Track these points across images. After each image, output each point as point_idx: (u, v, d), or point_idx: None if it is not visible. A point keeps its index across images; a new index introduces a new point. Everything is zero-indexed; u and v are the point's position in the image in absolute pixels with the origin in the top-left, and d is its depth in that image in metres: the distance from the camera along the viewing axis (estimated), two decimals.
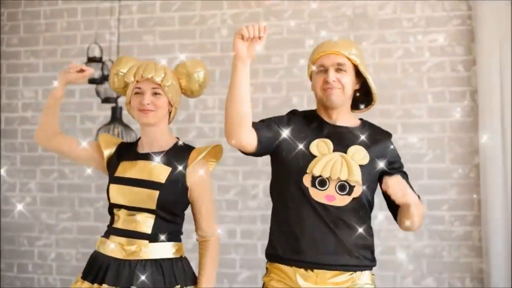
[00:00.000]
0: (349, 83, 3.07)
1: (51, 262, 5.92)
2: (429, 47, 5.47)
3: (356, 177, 2.96)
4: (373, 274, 3.14)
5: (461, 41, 5.43)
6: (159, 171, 3.08)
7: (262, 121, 3.10)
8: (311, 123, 3.14)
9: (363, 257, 3.04)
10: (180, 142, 3.22)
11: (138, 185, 3.08)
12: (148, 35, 5.95)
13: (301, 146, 3.04)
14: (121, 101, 5.19)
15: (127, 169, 3.14)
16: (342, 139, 3.06)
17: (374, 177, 3.07)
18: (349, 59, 3.07)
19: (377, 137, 3.15)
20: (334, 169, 2.96)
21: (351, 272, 3.00)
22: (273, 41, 5.57)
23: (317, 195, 2.98)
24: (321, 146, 3.03)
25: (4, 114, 6.16)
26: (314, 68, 3.11)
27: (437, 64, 5.44)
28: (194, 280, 3.14)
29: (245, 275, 5.58)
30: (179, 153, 3.14)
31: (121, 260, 3.05)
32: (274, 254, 3.08)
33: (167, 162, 3.10)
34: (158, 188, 3.05)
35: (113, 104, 5.01)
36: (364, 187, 3.00)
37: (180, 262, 3.12)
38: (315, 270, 2.99)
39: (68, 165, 5.92)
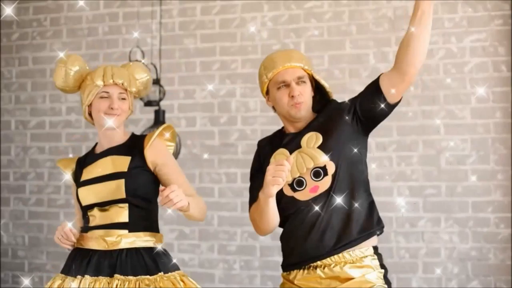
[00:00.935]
0: (309, 93, 3.15)
1: None
2: (471, 48, 5.41)
3: (320, 158, 3.01)
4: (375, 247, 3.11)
5: (503, 41, 5.36)
6: (119, 162, 3.15)
7: (252, 190, 3.22)
8: (273, 143, 3.24)
9: (363, 227, 3.03)
10: (134, 134, 3.33)
11: (103, 180, 3.13)
12: (189, 38, 5.97)
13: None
14: (164, 104, 5.24)
15: (90, 171, 3.19)
16: (296, 140, 3.13)
17: (347, 141, 3.07)
18: (304, 70, 3.14)
19: (321, 114, 3.20)
20: (299, 165, 3.03)
21: (353, 254, 3.00)
22: (313, 43, 5.57)
23: (302, 195, 3.04)
24: (277, 158, 3.09)
25: (48, 117, 6.23)
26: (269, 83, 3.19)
27: (479, 64, 5.39)
28: (176, 267, 3.18)
29: None
30: (135, 142, 3.22)
31: (102, 251, 3.09)
32: (283, 265, 3.16)
33: (126, 152, 3.17)
34: (123, 176, 3.10)
35: (156, 107, 5.04)
36: (337, 159, 3.02)
37: (160, 250, 3.16)
38: (317, 269, 3.01)
39: None
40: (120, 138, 3.25)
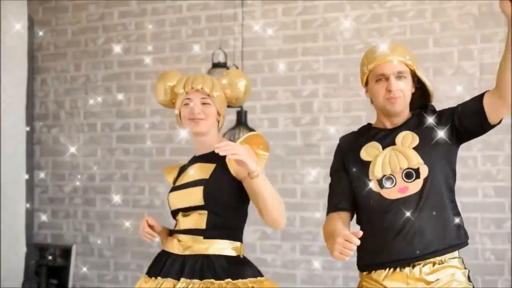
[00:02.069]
0: (409, 89, 3.10)
1: None
2: None
3: (415, 160, 2.98)
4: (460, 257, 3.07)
5: None
6: (204, 169, 3.17)
7: (332, 188, 3.22)
8: (361, 137, 3.20)
9: (450, 236, 3.00)
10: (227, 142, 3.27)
11: (187, 186, 3.17)
12: (272, 39, 5.99)
13: (355, 161, 3.11)
14: (246, 105, 5.26)
15: (181, 178, 3.27)
16: (390, 136, 3.10)
17: (441, 148, 3.04)
18: (406, 65, 3.08)
19: (421, 117, 3.13)
20: (392, 163, 3.00)
21: (439, 258, 2.96)
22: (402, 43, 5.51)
23: (390, 194, 3.00)
24: (369, 150, 3.08)
25: (133, 120, 6.35)
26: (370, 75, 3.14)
27: None
28: (252, 275, 3.16)
29: None
30: None
31: (177, 255, 3.14)
32: (363, 264, 3.11)
33: (212, 159, 3.15)
34: (202, 183, 3.12)
35: (239, 108, 5.07)
36: (431, 164, 2.98)
37: (236, 260, 3.17)
38: (406, 268, 2.97)
39: None
40: (211, 144, 3.21)
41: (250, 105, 5.63)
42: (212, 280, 3.04)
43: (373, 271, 3.06)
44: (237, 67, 5.16)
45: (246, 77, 3.39)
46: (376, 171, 3.03)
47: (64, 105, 6.62)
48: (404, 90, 3.07)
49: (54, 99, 6.65)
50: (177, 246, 3.16)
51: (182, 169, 3.36)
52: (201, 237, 3.13)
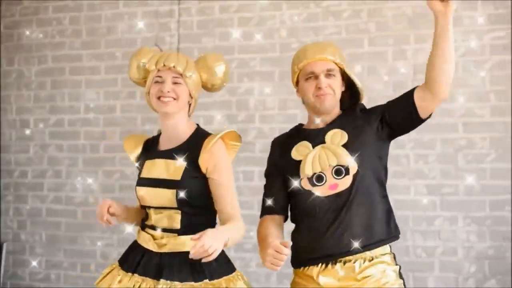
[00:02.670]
0: (338, 87, 3.17)
1: (113, 261, 5.97)
2: (491, 45, 5.38)
3: (344, 157, 3.03)
4: (392, 253, 3.14)
5: None
6: (174, 168, 3.05)
7: (266, 191, 3.27)
8: (293, 137, 3.24)
9: (380, 231, 3.05)
10: (199, 130, 3.21)
11: (158, 185, 3.07)
12: (208, 37, 5.98)
13: (287, 161, 3.15)
14: None
15: (149, 169, 3.16)
16: (320, 135, 3.14)
17: (371, 145, 3.10)
18: (336, 63, 3.15)
19: (350, 115, 3.21)
20: (322, 161, 3.05)
21: (369, 253, 3.02)
22: (332, 42, 5.54)
23: (321, 191, 3.05)
24: (300, 149, 3.13)
25: (67, 116, 6.26)
26: (300, 74, 3.20)
27: (499, 62, 5.36)
28: (226, 272, 3.11)
29: None
30: (193, 144, 3.09)
31: (153, 252, 3.07)
32: (296, 260, 3.14)
33: (182, 155, 3.06)
34: (175, 186, 3.02)
35: None
36: (360, 161, 3.03)
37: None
38: (337, 264, 3.01)
39: (130, 165, 6.00)
40: (182, 134, 3.16)
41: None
42: (192, 283, 2.99)
43: (306, 267, 3.09)
44: None
45: (225, 62, 3.26)
46: (306, 169, 3.06)
47: None
48: (333, 87, 3.13)
49: None
50: (152, 244, 3.08)
51: (147, 152, 3.25)
52: (176, 234, 3.06)
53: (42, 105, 6.35)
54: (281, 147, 3.26)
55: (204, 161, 3.04)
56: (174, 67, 3.08)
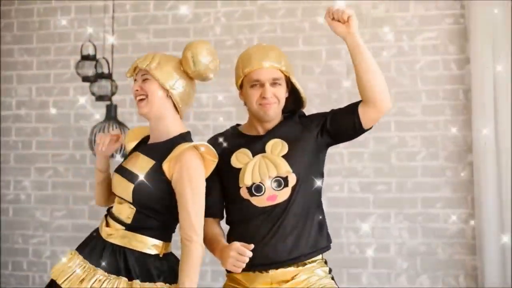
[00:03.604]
0: (283, 96, 3.15)
1: (45, 260, 5.92)
2: (422, 46, 5.48)
3: (284, 168, 3.03)
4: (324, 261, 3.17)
5: (454, 40, 5.43)
6: (142, 163, 2.99)
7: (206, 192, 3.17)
8: (231, 141, 3.21)
9: (314, 241, 3.08)
10: (182, 135, 3.07)
11: (124, 175, 3.02)
12: (142, 33, 5.94)
13: (226, 168, 3.12)
14: (116, 99, 5.19)
15: (128, 159, 3.12)
16: (260, 143, 3.13)
17: (310, 154, 3.12)
18: (281, 71, 3.12)
19: (291, 123, 3.20)
20: (262, 171, 3.04)
21: (304, 262, 3.05)
22: (266, 40, 5.56)
23: (259, 201, 3.05)
24: (240, 157, 3.11)
25: None
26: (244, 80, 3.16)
27: (430, 62, 5.46)
28: (166, 279, 3.02)
29: None
30: (168, 146, 2.97)
31: (102, 239, 3.04)
32: None
33: (154, 155, 2.99)
34: (134, 181, 2.96)
35: (108, 102, 5.00)
36: (299, 172, 3.04)
37: (155, 259, 3.01)
38: (270, 271, 3.03)
39: (63, 163, 5.92)
40: (165, 134, 3.06)
41: (120, 98, 5.55)
42: (125, 279, 2.93)
43: (241, 273, 3.09)
44: (106, 61, 5.10)
45: (212, 51, 3.12)
46: (246, 179, 3.05)
47: None
48: (278, 96, 3.11)
49: None
50: (104, 230, 3.04)
51: (141, 144, 3.21)
52: (123, 228, 3.00)
53: None
54: (220, 150, 3.22)
55: (169, 168, 2.94)
56: (138, 66, 3.07)
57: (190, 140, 3.05)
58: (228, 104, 5.61)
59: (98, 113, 5.70)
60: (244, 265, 2.81)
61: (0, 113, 6.15)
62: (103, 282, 2.93)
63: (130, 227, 3.00)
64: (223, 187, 3.19)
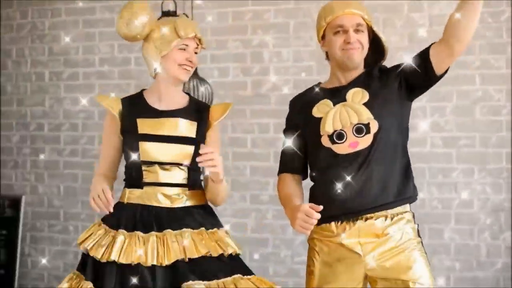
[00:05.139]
0: (366, 43, 3.14)
1: None
2: None
3: (365, 115, 3.03)
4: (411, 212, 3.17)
5: None
6: (189, 127, 3.18)
7: (285, 149, 3.29)
8: (312, 96, 3.23)
9: (399, 190, 3.08)
10: (192, 97, 3.38)
11: (173, 141, 3.16)
12: None
13: (307, 119, 3.15)
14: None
15: (153, 127, 3.19)
16: (341, 93, 3.13)
17: (391, 104, 3.10)
18: (364, 19, 3.12)
19: (371, 74, 3.19)
20: (343, 118, 3.05)
21: (391, 211, 3.05)
22: None
23: (341, 148, 3.05)
24: (321, 107, 3.13)
25: (82, 69, 6.25)
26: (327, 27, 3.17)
27: None
28: (219, 225, 3.24)
29: None
30: (198, 109, 3.27)
31: (156, 208, 3.13)
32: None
33: (192, 118, 3.23)
34: (193, 143, 3.15)
35: None
36: (381, 120, 3.04)
37: (206, 208, 3.27)
38: (357, 223, 3.04)
39: None
40: (180, 97, 3.31)
41: (199, 55, 5.55)
42: (194, 230, 3.09)
43: (324, 224, 3.10)
44: (187, 16, 5.10)
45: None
46: (327, 127, 3.06)
47: (11, 54, 6.48)
48: (362, 42, 3.11)
49: (1, 48, 6.50)
50: (156, 199, 3.14)
51: (134, 111, 3.26)
52: (183, 189, 3.17)
53: (56, 58, 6.33)
54: (301, 105, 3.26)
55: (210, 131, 3.27)
56: (195, 37, 3.23)
57: (200, 101, 3.45)
58: (308, 58, 5.57)
59: None
60: (312, 227, 2.84)
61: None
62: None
63: (187, 187, 3.18)
64: (303, 142, 3.21)
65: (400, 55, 5.12)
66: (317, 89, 3.27)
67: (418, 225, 3.13)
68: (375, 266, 3.02)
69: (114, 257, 2.97)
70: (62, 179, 6.29)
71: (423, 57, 3.03)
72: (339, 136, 3.05)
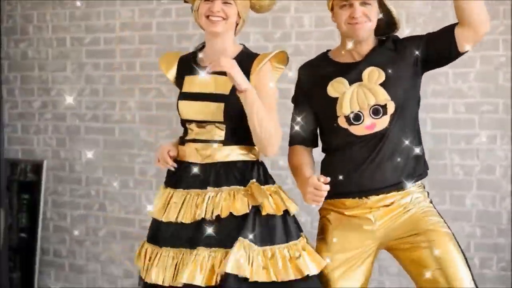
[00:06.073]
0: (375, 15, 3.12)
1: (150, 178, 6.06)
2: None
3: (382, 96, 3.04)
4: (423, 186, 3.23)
5: None
6: (223, 82, 3.13)
7: (296, 119, 3.29)
8: (324, 69, 3.23)
9: (411, 169, 3.11)
10: (245, 50, 3.30)
11: (204, 99, 3.16)
12: None
13: (321, 97, 3.15)
14: None
15: (191, 83, 3.24)
16: (356, 71, 3.13)
17: (407, 81, 3.11)
18: None
19: (385, 49, 3.18)
20: (360, 100, 3.05)
21: (403, 190, 3.10)
22: None
23: (358, 130, 3.09)
24: (336, 86, 3.12)
25: (103, 34, 6.24)
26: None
27: None
28: (270, 181, 3.26)
29: None
30: (243, 62, 3.14)
31: (197, 164, 3.16)
32: (332, 192, 3.09)
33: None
34: (223, 100, 3.12)
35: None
36: (397, 100, 3.06)
37: (254, 164, 3.22)
38: (370, 198, 3.08)
39: (166, 84, 5.99)
40: (229, 52, 3.24)
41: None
42: (241, 187, 3.11)
43: (336, 199, 3.13)
44: None
45: None
46: (344, 108, 3.08)
47: (32, 19, 6.48)
48: (369, 15, 3.08)
49: (22, 13, 6.51)
50: (196, 155, 3.18)
51: (185, 68, 3.32)
52: (221, 144, 3.16)
53: (77, 24, 6.32)
54: (313, 78, 3.25)
55: (254, 80, 3.11)
56: None
57: (253, 52, 3.30)
58: (331, 24, 5.50)
59: (200, 33, 5.71)
60: (322, 199, 2.88)
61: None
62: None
63: (225, 143, 3.16)
64: (316, 116, 3.21)
65: (422, 21, 5.14)
66: (326, 60, 3.25)
67: (428, 192, 3.21)
68: (387, 230, 3.06)
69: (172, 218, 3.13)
70: (83, 144, 6.30)
71: (448, 36, 3.03)
72: (356, 117, 3.07)
